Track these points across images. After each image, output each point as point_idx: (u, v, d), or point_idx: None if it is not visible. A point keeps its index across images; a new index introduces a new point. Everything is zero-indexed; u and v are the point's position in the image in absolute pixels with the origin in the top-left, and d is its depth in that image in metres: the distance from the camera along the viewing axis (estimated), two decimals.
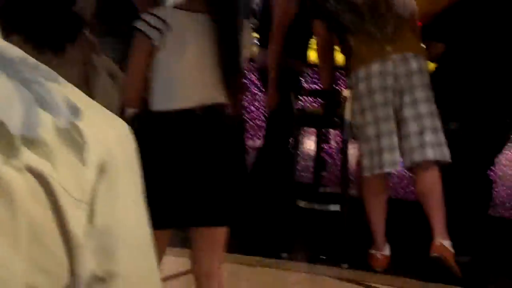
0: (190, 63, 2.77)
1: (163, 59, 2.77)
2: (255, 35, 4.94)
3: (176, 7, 2.85)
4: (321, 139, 5.28)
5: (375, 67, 4.05)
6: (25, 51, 0.67)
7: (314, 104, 6.00)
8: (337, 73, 4.91)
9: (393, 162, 4.06)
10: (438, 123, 4.10)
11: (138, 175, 0.72)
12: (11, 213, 0.61)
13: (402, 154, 4.08)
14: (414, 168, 4.15)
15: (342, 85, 5.22)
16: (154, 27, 2.74)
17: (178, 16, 2.79)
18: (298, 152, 4.93)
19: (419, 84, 4.08)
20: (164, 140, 2.75)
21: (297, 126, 4.76)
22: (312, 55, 4.92)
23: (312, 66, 5.11)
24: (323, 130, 5.35)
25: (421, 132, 4.05)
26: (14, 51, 0.65)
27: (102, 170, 0.66)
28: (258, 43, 4.79)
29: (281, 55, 4.57)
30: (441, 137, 4.09)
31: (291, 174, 4.68)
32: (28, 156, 0.62)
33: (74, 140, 0.65)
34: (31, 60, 0.66)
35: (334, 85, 4.83)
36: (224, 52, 2.78)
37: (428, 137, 4.04)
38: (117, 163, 0.68)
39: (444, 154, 4.08)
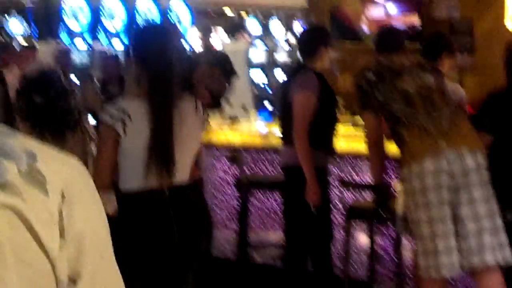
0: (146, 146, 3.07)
1: (126, 145, 3.05)
2: (278, 131, 4.81)
3: (129, 94, 3.26)
4: (374, 233, 5.10)
5: (429, 164, 3.77)
6: (32, 136, 0.94)
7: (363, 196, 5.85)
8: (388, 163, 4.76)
9: (450, 266, 3.76)
10: (499, 223, 3.80)
11: (96, 195, 0.91)
12: None
13: (461, 255, 3.78)
14: (474, 272, 3.87)
15: (392, 175, 5.07)
16: (119, 119, 3.04)
17: (135, 105, 3.09)
18: (350, 246, 4.76)
19: (476, 182, 3.79)
20: (132, 217, 3.02)
21: (348, 220, 4.61)
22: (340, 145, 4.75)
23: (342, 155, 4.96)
24: (376, 223, 5.17)
25: (479, 234, 3.75)
26: None
27: (63, 196, 0.85)
28: (281, 139, 4.63)
29: (310, 151, 4.36)
30: (503, 238, 3.79)
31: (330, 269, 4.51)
32: (2, 196, 0.81)
33: (35, 178, 0.84)
34: None
35: (384, 178, 4.65)
36: (156, 135, 3.06)
37: (487, 239, 3.74)
38: (74, 188, 0.87)
39: (506, 256, 3.78)
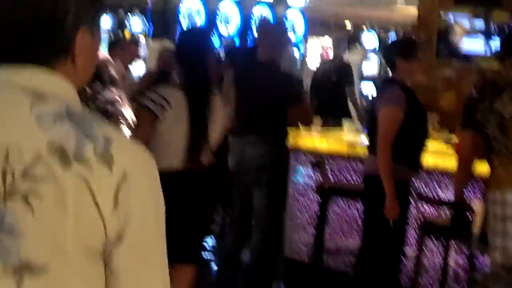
0: (183, 132, 3.51)
1: (163, 130, 3.47)
2: (364, 139, 4.77)
3: (172, 85, 3.65)
4: (448, 251, 5.00)
5: (510, 197, 3.65)
6: None
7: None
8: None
9: None
10: None
11: (154, 182, 1.18)
12: (62, 200, 1.10)
13: None
14: None
15: (475, 194, 4.96)
16: (159, 104, 3.45)
17: (175, 95, 3.50)
18: (422, 262, 4.70)
19: None
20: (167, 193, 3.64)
21: (422, 235, 4.55)
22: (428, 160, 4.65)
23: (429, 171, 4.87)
24: (450, 241, 5.07)
25: None
26: (78, 108, 1.18)
27: (124, 177, 1.13)
28: (367, 148, 4.61)
29: (391, 165, 4.29)
30: None
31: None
32: (77, 167, 1.11)
33: (106, 158, 1.12)
34: (88, 112, 1.18)
35: (465, 196, 4.54)
36: (193, 124, 3.52)
37: None
38: (135, 172, 1.14)
39: None
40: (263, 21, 7.37)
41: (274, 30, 4.92)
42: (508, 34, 4.32)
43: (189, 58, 3.58)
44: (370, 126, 4.57)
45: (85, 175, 1.10)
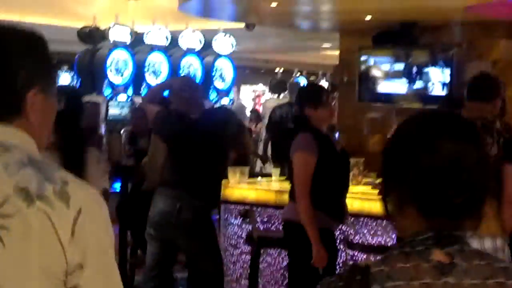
0: None
1: None
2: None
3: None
4: None
5: (487, 243, 3.77)
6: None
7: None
8: None
9: None
10: None
11: (105, 214, 1.37)
12: (28, 232, 1.28)
13: None
14: None
15: None
16: None
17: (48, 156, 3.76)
18: None
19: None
20: None
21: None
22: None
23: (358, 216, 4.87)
24: None
25: None
26: (38, 156, 1.38)
27: (79, 211, 1.31)
28: (288, 195, 4.55)
29: (311, 211, 4.25)
30: None
31: None
32: (40, 204, 1.29)
33: (63, 197, 1.31)
34: (46, 160, 1.37)
35: None
36: None
37: None
38: (88, 208, 1.32)
39: None
40: (175, 79, 7.29)
41: (188, 86, 4.93)
42: (474, 79, 4.37)
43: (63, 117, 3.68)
44: (289, 173, 4.58)
45: (46, 211, 1.29)
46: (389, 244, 5.11)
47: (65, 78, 13.11)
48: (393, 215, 1.41)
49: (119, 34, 9.36)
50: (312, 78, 14.31)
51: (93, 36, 9.26)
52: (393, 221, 1.42)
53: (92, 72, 9.19)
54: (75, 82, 10.16)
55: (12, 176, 1.31)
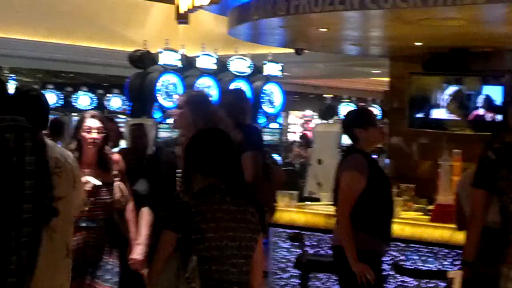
0: None
1: None
2: None
3: None
4: None
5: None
6: None
7: None
8: None
9: None
10: None
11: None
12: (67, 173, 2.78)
13: None
14: None
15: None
16: None
17: None
18: None
19: None
20: None
21: None
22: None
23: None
24: None
25: None
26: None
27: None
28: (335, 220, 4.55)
29: (349, 229, 4.25)
30: None
31: None
32: (67, 162, 2.80)
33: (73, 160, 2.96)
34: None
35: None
36: None
37: None
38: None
39: None
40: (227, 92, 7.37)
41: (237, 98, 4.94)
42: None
43: None
44: (335, 196, 4.54)
45: (71, 164, 2.63)
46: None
47: (116, 101, 13.31)
48: None
49: (169, 58, 9.47)
50: (361, 104, 14.28)
51: (143, 60, 9.37)
52: None
53: (142, 96, 9.31)
54: (126, 105, 10.30)
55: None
